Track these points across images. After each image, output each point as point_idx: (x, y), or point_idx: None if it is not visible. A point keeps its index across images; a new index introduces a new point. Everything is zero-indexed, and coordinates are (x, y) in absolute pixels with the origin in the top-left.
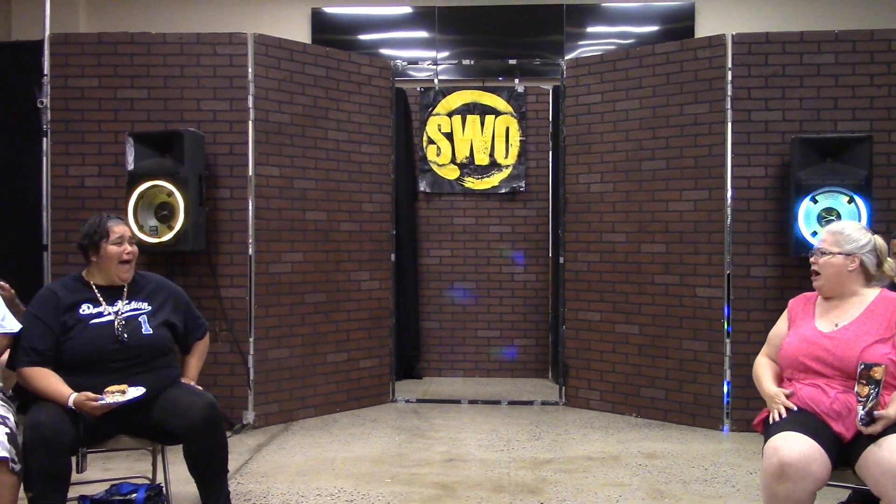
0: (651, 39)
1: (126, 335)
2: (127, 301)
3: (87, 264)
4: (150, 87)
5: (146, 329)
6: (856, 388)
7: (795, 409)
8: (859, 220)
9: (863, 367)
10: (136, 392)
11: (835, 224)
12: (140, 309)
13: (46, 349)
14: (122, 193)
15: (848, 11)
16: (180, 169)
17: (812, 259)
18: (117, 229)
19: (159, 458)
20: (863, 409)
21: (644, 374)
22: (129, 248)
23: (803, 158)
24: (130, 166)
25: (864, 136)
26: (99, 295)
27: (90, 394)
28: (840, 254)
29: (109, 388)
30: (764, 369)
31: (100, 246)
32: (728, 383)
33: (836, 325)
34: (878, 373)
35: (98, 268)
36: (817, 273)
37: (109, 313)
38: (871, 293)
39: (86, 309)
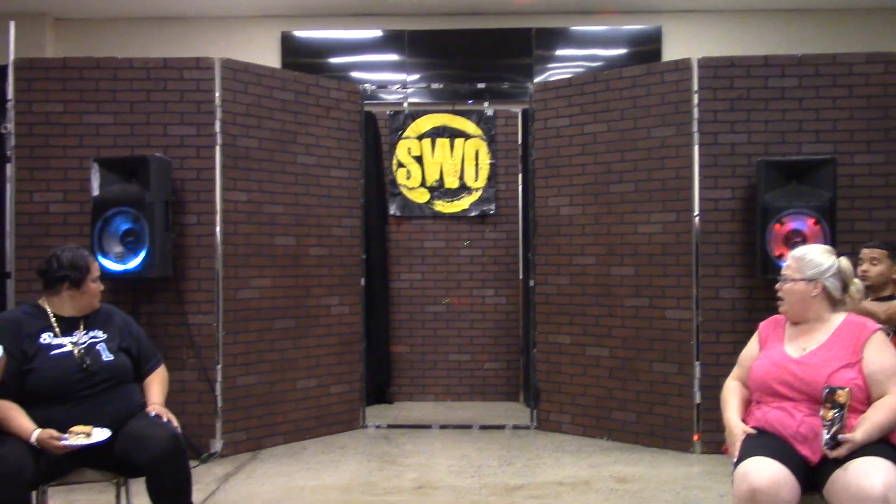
0: (619, 62)
1: (88, 362)
2: (85, 331)
3: (48, 293)
4: (116, 112)
5: (107, 356)
6: (821, 412)
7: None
8: (824, 243)
9: (827, 390)
10: (101, 435)
11: (798, 249)
12: (97, 338)
13: (8, 378)
14: (87, 220)
15: (810, 35)
16: (146, 195)
17: (777, 286)
18: (96, 266)
19: (123, 490)
20: (827, 433)
21: (615, 396)
22: (100, 284)
23: (769, 181)
24: (96, 192)
25: (827, 158)
26: (56, 325)
27: (53, 432)
28: (802, 280)
29: (74, 429)
30: (731, 395)
31: (83, 281)
32: (698, 405)
33: (805, 350)
34: (842, 396)
35: (71, 300)
36: (782, 299)
37: (68, 344)
38: (838, 318)
39: (45, 338)
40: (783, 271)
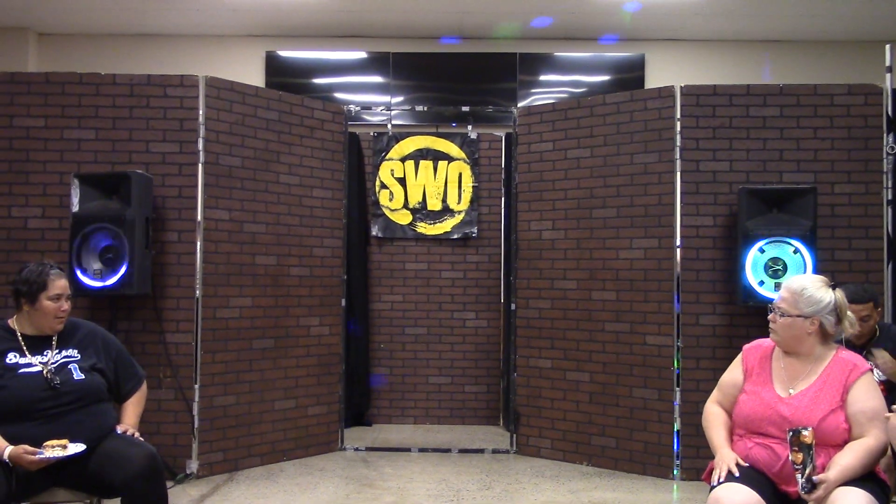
0: (602, 89)
1: (58, 381)
2: (57, 350)
3: (17, 309)
4: (97, 128)
5: (78, 375)
6: (790, 457)
7: (737, 474)
8: (804, 271)
9: (791, 434)
10: (76, 448)
11: (795, 281)
12: (70, 357)
13: None
14: (65, 235)
15: (792, 66)
16: (127, 211)
17: (770, 317)
18: (58, 284)
19: None
20: (801, 476)
21: (595, 422)
22: (65, 305)
23: (750, 209)
24: (75, 208)
25: (808, 187)
26: (25, 345)
27: (28, 447)
28: (798, 316)
29: (49, 443)
30: (716, 420)
31: (37, 298)
32: (678, 432)
33: (794, 389)
34: (807, 437)
35: (29, 318)
36: (772, 329)
37: (38, 364)
38: (828, 354)
39: (11, 358)
40: (777, 303)
